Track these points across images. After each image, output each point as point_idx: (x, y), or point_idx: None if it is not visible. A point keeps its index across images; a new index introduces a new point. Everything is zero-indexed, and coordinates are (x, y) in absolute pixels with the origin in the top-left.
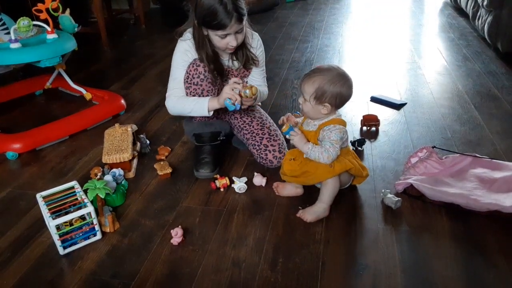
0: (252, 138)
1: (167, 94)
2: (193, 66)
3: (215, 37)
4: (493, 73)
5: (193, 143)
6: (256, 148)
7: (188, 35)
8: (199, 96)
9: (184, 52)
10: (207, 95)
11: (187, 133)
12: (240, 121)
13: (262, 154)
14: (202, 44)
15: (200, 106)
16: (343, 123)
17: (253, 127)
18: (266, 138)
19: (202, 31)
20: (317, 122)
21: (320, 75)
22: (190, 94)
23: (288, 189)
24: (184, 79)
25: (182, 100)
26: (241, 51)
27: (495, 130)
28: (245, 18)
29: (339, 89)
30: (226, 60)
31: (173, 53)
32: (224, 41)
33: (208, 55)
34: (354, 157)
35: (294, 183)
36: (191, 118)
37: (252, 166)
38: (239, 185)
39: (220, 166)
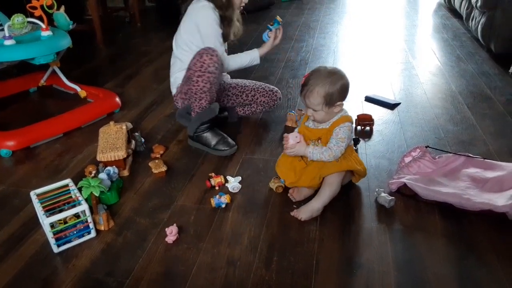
0: (261, 91)
1: (225, 58)
2: (207, 56)
3: None
4: (486, 73)
5: (190, 145)
6: (266, 95)
7: (203, 1)
8: (211, 84)
9: (213, 11)
10: (216, 82)
11: (191, 126)
12: (237, 88)
13: (273, 96)
14: (228, 3)
15: (254, 57)
16: (352, 120)
17: (255, 94)
18: (267, 86)
19: None
20: (330, 121)
21: (318, 84)
22: (202, 82)
23: (305, 192)
24: (196, 68)
25: (236, 57)
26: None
27: (487, 130)
28: None
29: (340, 84)
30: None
31: (195, 20)
32: None
33: (230, 14)
34: (356, 155)
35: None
36: (189, 114)
37: (247, 164)
38: (233, 184)
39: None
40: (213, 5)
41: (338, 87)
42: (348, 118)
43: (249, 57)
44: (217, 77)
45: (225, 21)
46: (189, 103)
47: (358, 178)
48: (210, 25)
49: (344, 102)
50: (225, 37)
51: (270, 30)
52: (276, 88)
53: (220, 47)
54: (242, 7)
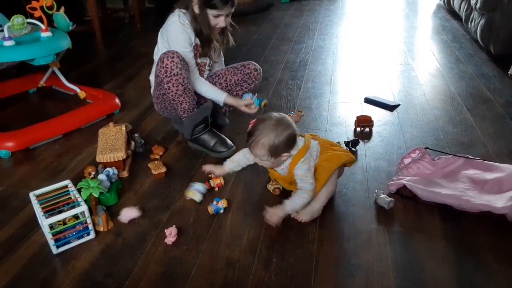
0: (231, 71)
1: (194, 77)
2: (168, 59)
3: (210, 16)
4: (485, 75)
5: (191, 146)
6: (241, 71)
7: (175, 16)
8: (183, 85)
9: (181, 28)
10: (187, 82)
11: (186, 131)
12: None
13: (246, 68)
14: (203, 20)
15: (219, 98)
16: (305, 149)
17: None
18: (239, 63)
19: (204, 9)
20: (284, 166)
21: (262, 135)
22: (173, 87)
23: None
24: (161, 74)
25: (206, 84)
26: (224, 33)
27: (487, 132)
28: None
29: (286, 135)
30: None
31: (166, 35)
32: (215, 20)
33: (204, 30)
34: (333, 149)
35: None
36: (180, 118)
37: (246, 166)
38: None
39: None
40: (187, 20)
41: (283, 139)
42: (301, 152)
43: (215, 94)
44: (185, 77)
45: (200, 37)
46: (164, 107)
47: (350, 164)
48: (176, 42)
49: (291, 151)
50: (201, 53)
51: (251, 97)
52: (249, 61)
53: (194, 66)
54: (217, 29)
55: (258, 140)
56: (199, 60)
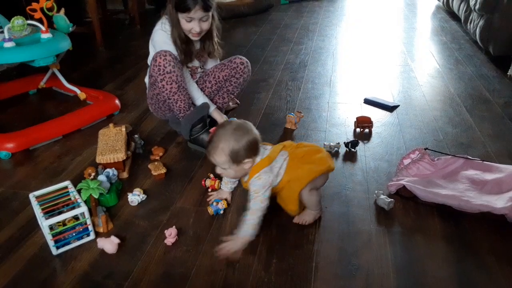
0: (219, 67)
1: (186, 80)
2: (160, 57)
3: (182, 19)
4: (484, 76)
5: (190, 147)
6: (228, 66)
7: (159, 24)
8: (177, 83)
9: (164, 35)
10: (181, 80)
11: (184, 130)
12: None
13: (232, 63)
14: (176, 25)
15: (206, 105)
16: (268, 160)
17: (214, 73)
18: (226, 59)
19: (175, 13)
20: (247, 177)
21: (222, 141)
22: (167, 84)
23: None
24: (155, 72)
25: (195, 89)
26: (208, 41)
27: (486, 132)
28: (211, 9)
29: (245, 140)
30: (197, 45)
31: (153, 43)
32: (188, 24)
33: (180, 36)
34: (302, 165)
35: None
36: (177, 118)
37: None
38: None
39: None
40: (169, 26)
41: (244, 144)
42: (260, 165)
43: (203, 100)
44: (178, 75)
45: (178, 41)
46: (158, 108)
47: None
48: (161, 48)
49: (254, 158)
50: (185, 51)
51: None
52: (235, 56)
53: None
54: (193, 35)
55: (216, 146)
56: (189, 64)
